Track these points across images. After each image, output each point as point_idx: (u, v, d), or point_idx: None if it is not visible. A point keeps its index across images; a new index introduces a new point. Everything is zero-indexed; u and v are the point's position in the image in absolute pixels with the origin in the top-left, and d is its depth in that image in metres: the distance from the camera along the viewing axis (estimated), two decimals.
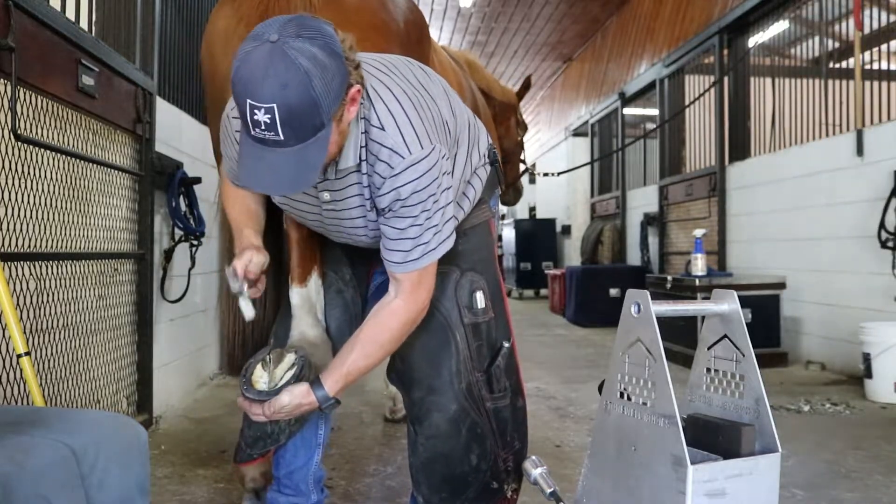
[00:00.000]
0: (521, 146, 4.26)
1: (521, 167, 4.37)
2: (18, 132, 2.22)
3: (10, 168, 2.28)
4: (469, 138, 1.80)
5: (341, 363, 1.63)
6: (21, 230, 2.33)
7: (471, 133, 1.82)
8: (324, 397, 1.60)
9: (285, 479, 1.96)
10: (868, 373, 4.07)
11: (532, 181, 14.79)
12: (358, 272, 1.99)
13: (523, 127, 4.25)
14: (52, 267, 2.55)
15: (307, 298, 1.89)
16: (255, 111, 1.32)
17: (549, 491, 1.79)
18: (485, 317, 1.81)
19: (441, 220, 1.58)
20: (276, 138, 1.34)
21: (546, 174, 14.18)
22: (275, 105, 1.31)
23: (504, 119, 3.94)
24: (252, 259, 1.65)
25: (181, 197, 3.72)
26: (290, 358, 1.69)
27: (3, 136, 2.22)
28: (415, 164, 1.52)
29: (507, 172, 4.00)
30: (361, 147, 1.55)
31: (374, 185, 1.56)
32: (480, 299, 1.78)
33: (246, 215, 1.79)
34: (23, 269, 2.34)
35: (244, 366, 1.71)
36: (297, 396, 1.59)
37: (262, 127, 1.33)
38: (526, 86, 4.27)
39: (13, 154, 2.29)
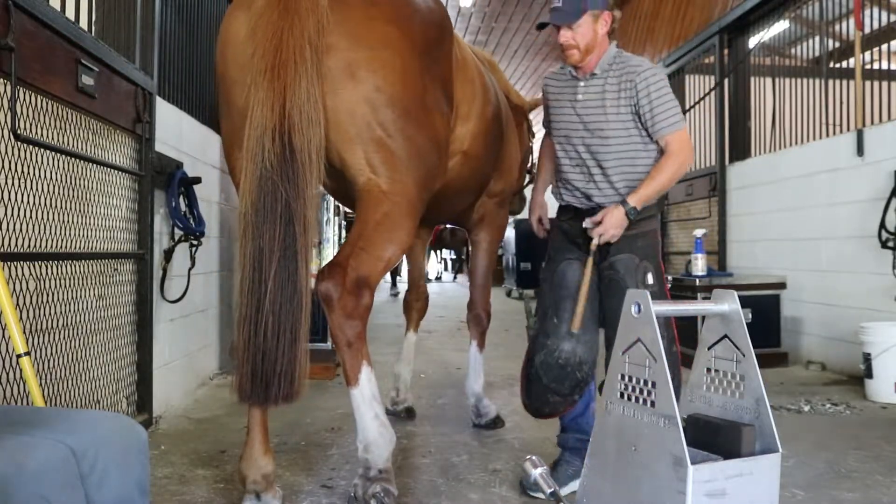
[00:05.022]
0: (530, 152, 4.20)
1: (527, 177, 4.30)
2: (18, 132, 2.22)
3: (10, 168, 2.28)
4: None
5: (637, 190, 2.51)
6: (21, 230, 2.33)
7: None
8: (628, 207, 2.48)
9: (571, 424, 2.69)
10: (868, 373, 4.07)
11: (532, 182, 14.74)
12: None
13: (531, 134, 4.20)
14: (52, 267, 2.55)
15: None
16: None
17: (549, 491, 1.79)
18: (651, 289, 2.51)
19: (677, 107, 2.53)
20: (558, 6, 2.50)
21: None
22: None
23: (517, 123, 3.88)
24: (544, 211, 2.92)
25: (181, 197, 3.72)
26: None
27: (3, 136, 2.22)
28: (651, 68, 2.54)
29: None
30: (611, 64, 2.56)
31: (620, 88, 2.53)
32: (650, 278, 2.58)
33: (544, 171, 2.96)
34: (23, 269, 2.34)
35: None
36: (614, 215, 2.47)
37: (556, 4, 2.50)
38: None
39: (13, 154, 2.29)
